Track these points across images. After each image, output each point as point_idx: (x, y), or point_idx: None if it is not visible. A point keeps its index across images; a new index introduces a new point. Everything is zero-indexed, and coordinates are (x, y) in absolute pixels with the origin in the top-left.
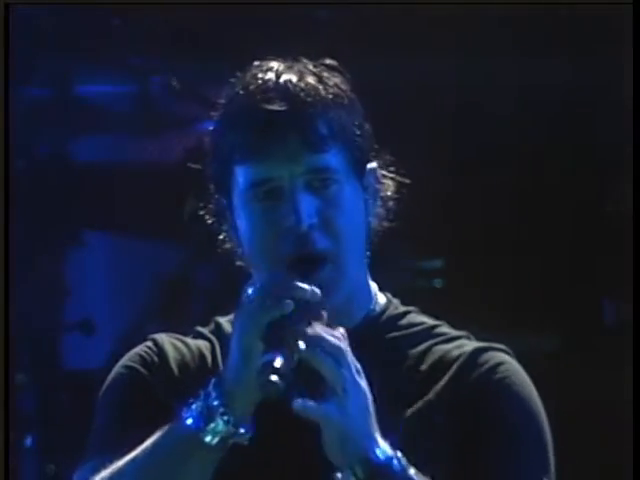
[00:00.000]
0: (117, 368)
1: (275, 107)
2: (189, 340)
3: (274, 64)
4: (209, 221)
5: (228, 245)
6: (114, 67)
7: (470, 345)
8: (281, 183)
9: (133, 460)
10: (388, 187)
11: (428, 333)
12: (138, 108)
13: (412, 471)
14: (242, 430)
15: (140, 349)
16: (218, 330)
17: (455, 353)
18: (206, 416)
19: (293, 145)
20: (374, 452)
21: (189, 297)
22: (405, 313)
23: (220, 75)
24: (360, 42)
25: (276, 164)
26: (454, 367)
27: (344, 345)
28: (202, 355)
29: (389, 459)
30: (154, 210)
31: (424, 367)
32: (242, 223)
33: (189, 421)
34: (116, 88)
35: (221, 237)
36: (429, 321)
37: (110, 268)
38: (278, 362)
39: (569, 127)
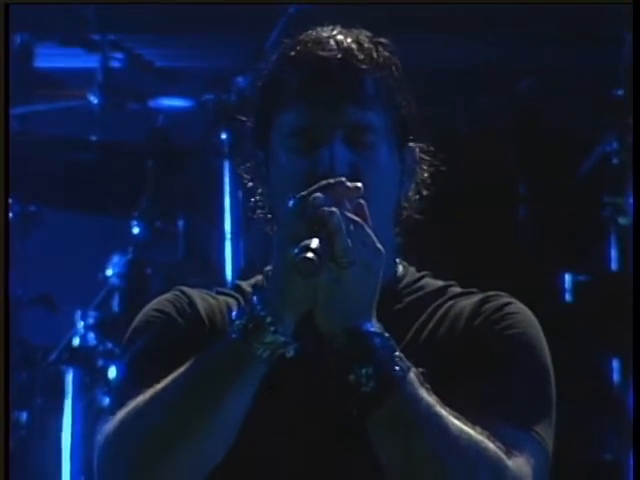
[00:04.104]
0: (146, 311)
1: (327, 54)
2: (214, 295)
3: (332, 27)
4: (247, 183)
5: (258, 200)
6: (75, 42)
7: (478, 295)
8: (321, 133)
9: (173, 380)
10: (423, 172)
11: (440, 293)
12: (99, 83)
13: (397, 353)
14: (289, 340)
15: (169, 296)
16: (239, 290)
17: (463, 303)
18: (252, 328)
19: (338, 96)
20: (360, 324)
21: (149, 273)
22: (420, 278)
23: (183, 50)
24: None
25: (319, 112)
26: (464, 314)
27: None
28: (230, 308)
29: (374, 333)
30: (116, 186)
31: (434, 321)
32: (277, 173)
33: (235, 335)
34: (77, 63)
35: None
36: (441, 283)
37: (69, 244)
38: (314, 243)
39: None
